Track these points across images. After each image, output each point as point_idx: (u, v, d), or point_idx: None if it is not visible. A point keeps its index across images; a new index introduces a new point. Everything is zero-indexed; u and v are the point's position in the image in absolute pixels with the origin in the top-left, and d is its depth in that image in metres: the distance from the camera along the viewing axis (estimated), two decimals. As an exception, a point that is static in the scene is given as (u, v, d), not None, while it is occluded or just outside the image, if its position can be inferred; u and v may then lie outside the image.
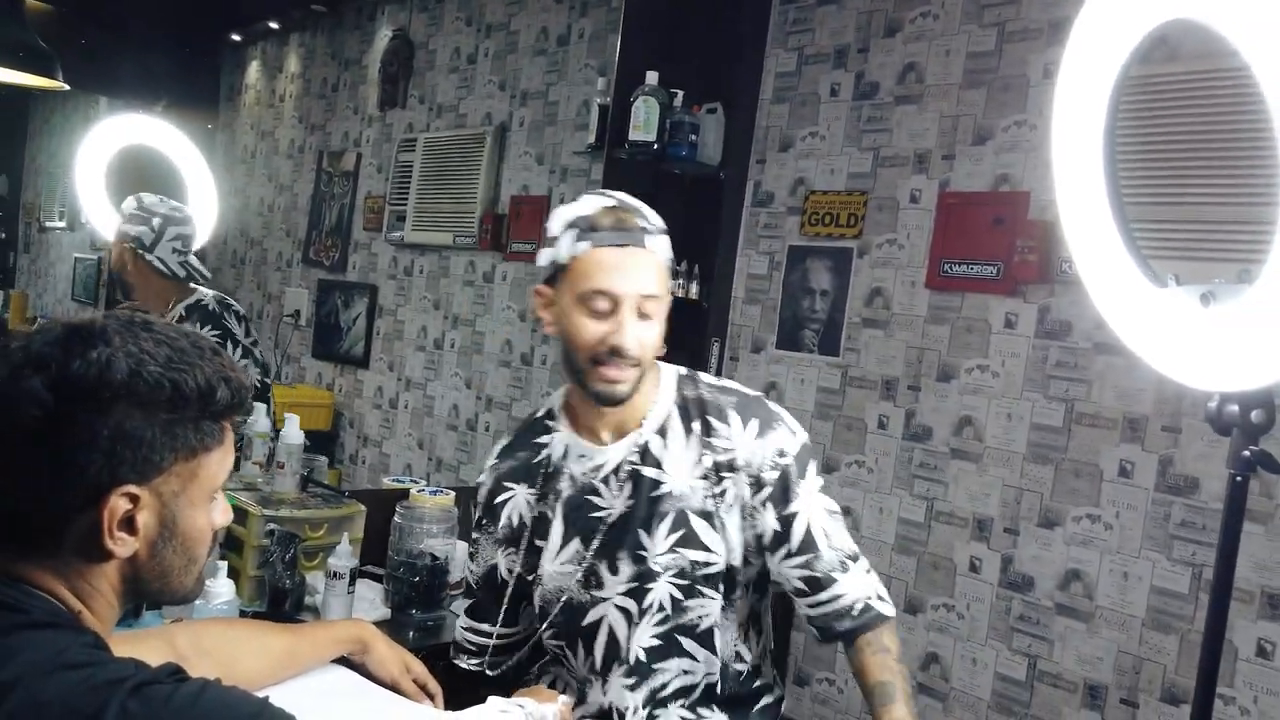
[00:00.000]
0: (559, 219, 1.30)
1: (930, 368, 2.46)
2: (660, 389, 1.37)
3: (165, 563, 0.88)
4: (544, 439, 1.43)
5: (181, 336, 0.88)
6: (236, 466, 2.24)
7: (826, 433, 2.65)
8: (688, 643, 1.38)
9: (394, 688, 1.42)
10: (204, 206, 3.14)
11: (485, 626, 1.49)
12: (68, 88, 2.85)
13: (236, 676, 1.28)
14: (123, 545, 0.84)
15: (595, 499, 1.37)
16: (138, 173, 3.27)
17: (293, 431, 2.01)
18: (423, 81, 4.04)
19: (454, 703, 1.45)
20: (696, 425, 1.35)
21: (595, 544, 1.37)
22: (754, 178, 2.85)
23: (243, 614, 1.76)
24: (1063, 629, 2.21)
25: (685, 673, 1.39)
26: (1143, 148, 2.06)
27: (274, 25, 4.90)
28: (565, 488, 1.39)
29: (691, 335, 2.78)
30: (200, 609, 1.58)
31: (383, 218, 4.14)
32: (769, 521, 1.34)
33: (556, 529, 1.39)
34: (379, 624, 1.95)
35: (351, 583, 1.81)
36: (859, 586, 1.34)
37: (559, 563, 1.39)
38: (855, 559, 1.35)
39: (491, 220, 3.58)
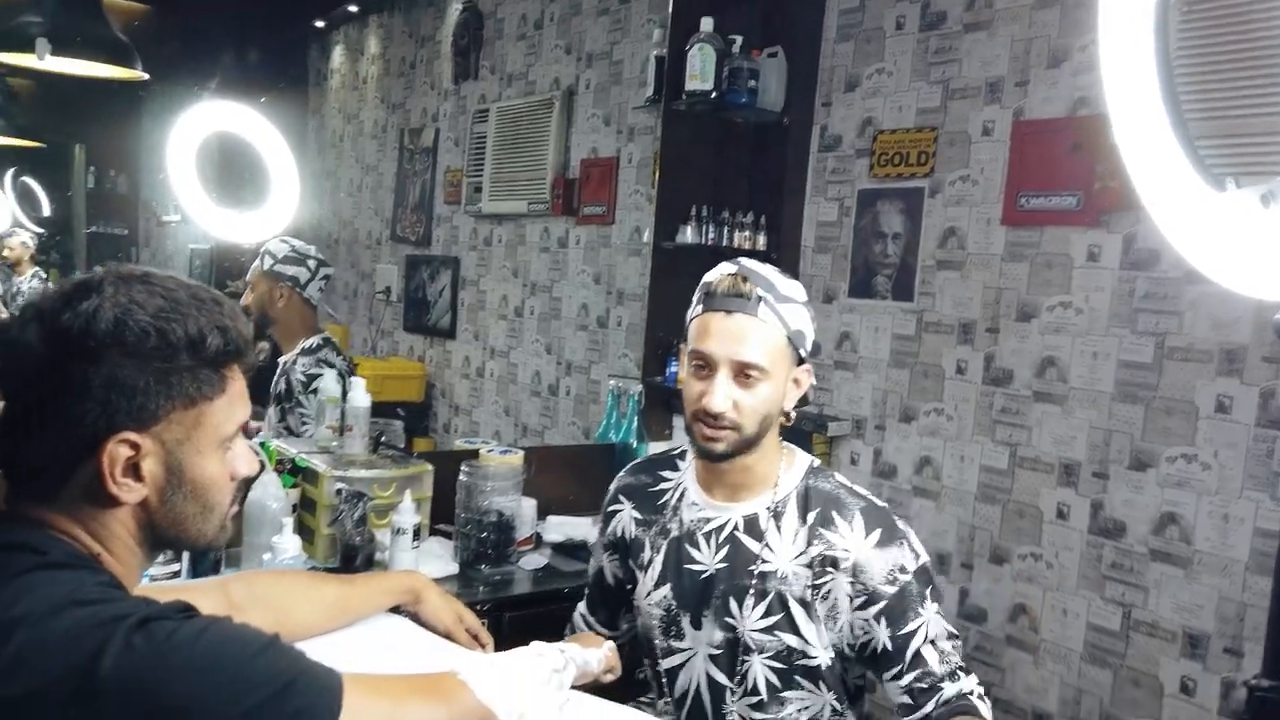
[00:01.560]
0: (701, 282, 1.38)
1: (1009, 308, 2.34)
2: (787, 472, 1.40)
3: (178, 509, 0.91)
4: (669, 475, 1.50)
5: (181, 288, 0.89)
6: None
7: (903, 381, 2.56)
8: None
9: (447, 637, 1.44)
10: (288, 190, 3.24)
11: (594, 619, 1.62)
12: (147, 77, 2.98)
13: (290, 625, 1.32)
14: (129, 491, 0.87)
15: (694, 551, 1.42)
16: (223, 160, 3.40)
17: (359, 395, 2.07)
18: (493, 51, 4.06)
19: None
20: (813, 515, 1.36)
21: (684, 594, 1.41)
22: (820, 121, 2.76)
23: (315, 570, 1.82)
24: (1159, 576, 2.09)
25: None
26: (1204, 57, 1.90)
27: (353, 9, 5.00)
28: (674, 529, 1.45)
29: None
30: (268, 563, 1.65)
31: (461, 190, 4.21)
32: (880, 636, 1.33)
33: (656, 566, 1.45)
34: (448, 579, 2.00)
35: (416, 538, 1.85)
36: (963, 686, 1.32)
37: (650, 602, 1.45)
38: (967, 672, 1.34)
39: (563, 185, 3.58)
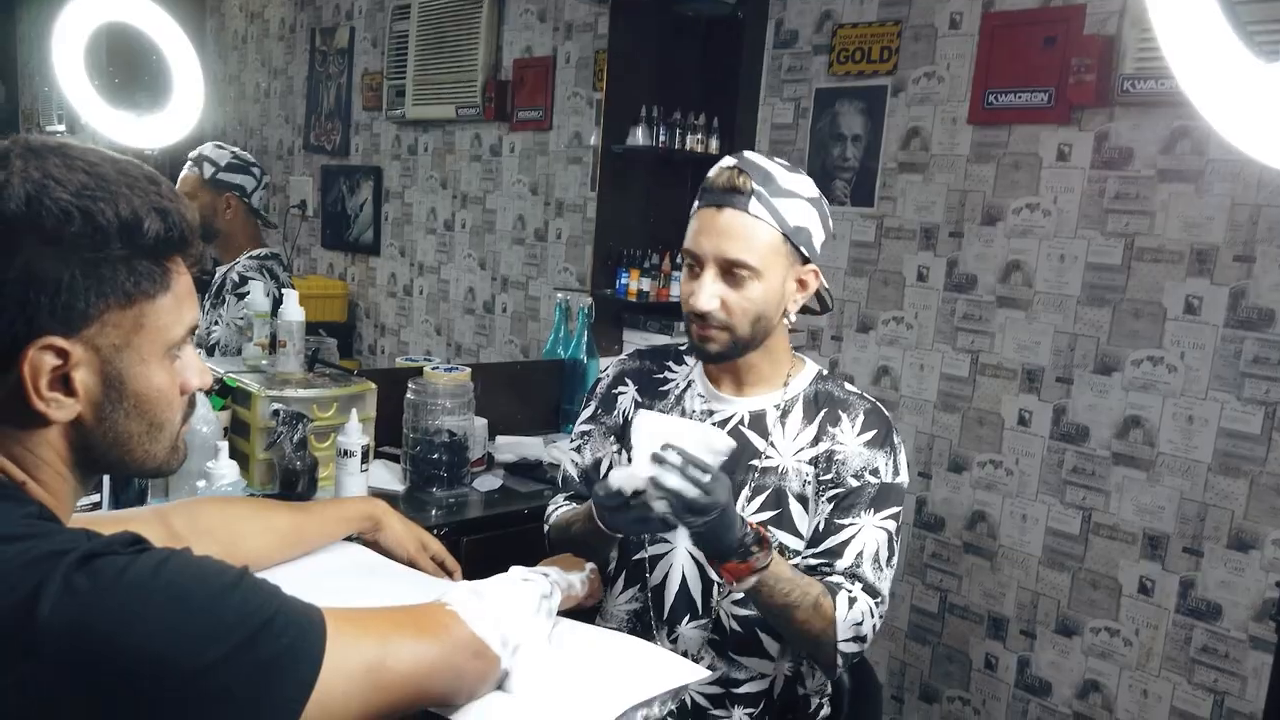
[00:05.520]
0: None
1: (974, 211, 2.27)
2: (796, 376, 1.36)
3: (119, 428, 0.76)
4: (675, 366, 1.44)
5: (107, 163, 0.73)
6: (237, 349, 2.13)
7: (861, 289, 2.49)
8: (767, 641, 1.33)
9: (411, 565, 1.33)
10: (191, 89, 2.95)
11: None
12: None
13: (240, 556, 1.18)
14: (58, 407, 0.72)
15: None
16: (117, 57, 3.07)
17: (291, 308, 1.89)
18: (412, -59, 3.75)
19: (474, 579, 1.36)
20: (822, 414, 1.33)
21: None
22: (775, 15, 2.61)
23: (255, 497, 1.67)
24: (1120, 479, 2.09)
25: (762, 675, 1.34)
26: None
27: (252, -106, 4.56)
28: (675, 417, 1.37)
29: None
30: (203, 492, 1.49)
31: (381, 95, 3.93)
32: (821, 514, 1.28)
33: None
34: (398, 500, 1.87)
35: (364, 460, 1.71)
36: (853, 589, 1.22)
37: None
38: (875, 595, 1.23)
39: (495, 88, 3.36)
